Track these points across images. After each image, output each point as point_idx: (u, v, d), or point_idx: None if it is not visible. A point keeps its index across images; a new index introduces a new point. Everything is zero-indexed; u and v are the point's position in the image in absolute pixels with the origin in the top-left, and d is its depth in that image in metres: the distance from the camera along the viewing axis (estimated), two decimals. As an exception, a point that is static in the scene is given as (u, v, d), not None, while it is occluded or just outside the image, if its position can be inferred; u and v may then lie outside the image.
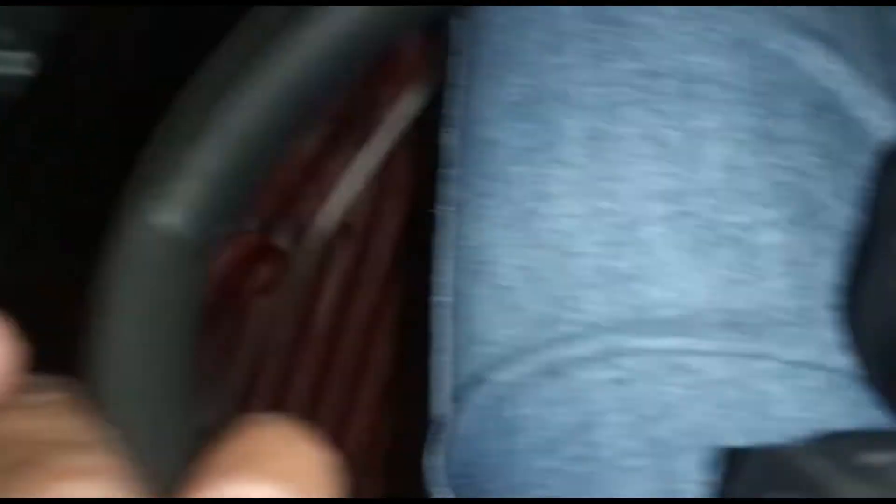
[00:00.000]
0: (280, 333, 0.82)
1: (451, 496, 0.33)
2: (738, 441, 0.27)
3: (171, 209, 0.21)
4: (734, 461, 0.24)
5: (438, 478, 0.35)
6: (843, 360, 0.27)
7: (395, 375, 0.77)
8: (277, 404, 0.81)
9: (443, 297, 0.36)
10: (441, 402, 0.35)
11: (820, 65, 0.32)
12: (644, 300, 0.29)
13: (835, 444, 0.18)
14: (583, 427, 0.29)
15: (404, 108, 0.62)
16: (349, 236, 0.81)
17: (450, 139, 0.37)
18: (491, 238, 0.34)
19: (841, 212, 0.30)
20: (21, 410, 0.14)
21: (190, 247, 0.20)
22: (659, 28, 0.32)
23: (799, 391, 0.28)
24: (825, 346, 0.28)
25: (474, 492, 0.33)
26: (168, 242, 0.20)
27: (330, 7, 0.23)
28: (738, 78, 0.31)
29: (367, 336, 0.80)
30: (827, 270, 0.29)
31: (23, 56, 0.81)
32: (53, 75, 0.83)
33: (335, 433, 0.79)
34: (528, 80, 0.35)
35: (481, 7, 0.36)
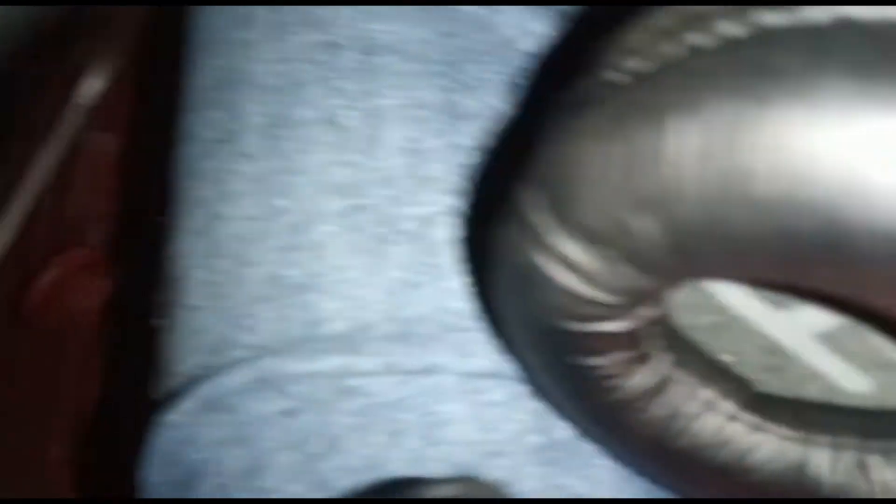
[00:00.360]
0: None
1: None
2: (408, 474, 0.23)
3: None
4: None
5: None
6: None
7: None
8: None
9: (162, 320, 0.31)
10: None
11: (520, 27, 0.27)
12: (314, 314, 0.25)
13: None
14: (253, 470, 0.25)
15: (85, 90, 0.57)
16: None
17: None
18: (182, 248, 0.29)
19: None
20: None
21: None
22: None
23: (477, 408, 0.23)
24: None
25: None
26: None
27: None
28: (425, 46, 0.27)
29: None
30: None
31: None
32: None
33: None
34: (220, 60, 0.30)
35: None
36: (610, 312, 0.17)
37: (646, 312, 0.18)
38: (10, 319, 0.75)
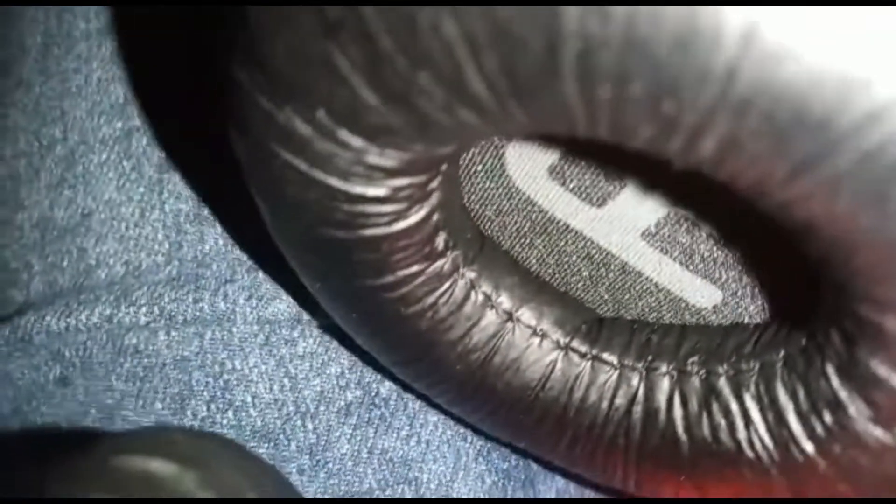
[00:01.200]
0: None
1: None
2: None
3: None
4: None
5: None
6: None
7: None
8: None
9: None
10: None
11: None
12: (85, 260, 0.21)
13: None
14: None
15: None
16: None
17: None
18: None
19: None
20: None
21: None
22: None
23: (282, 362, 0.19)
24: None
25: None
26: None
27: None
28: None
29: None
30: None
31: None
32: None
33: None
34: None
35: None
36: (373, 211, 0.13)
37: (420, 211, 0.14)
38: None
